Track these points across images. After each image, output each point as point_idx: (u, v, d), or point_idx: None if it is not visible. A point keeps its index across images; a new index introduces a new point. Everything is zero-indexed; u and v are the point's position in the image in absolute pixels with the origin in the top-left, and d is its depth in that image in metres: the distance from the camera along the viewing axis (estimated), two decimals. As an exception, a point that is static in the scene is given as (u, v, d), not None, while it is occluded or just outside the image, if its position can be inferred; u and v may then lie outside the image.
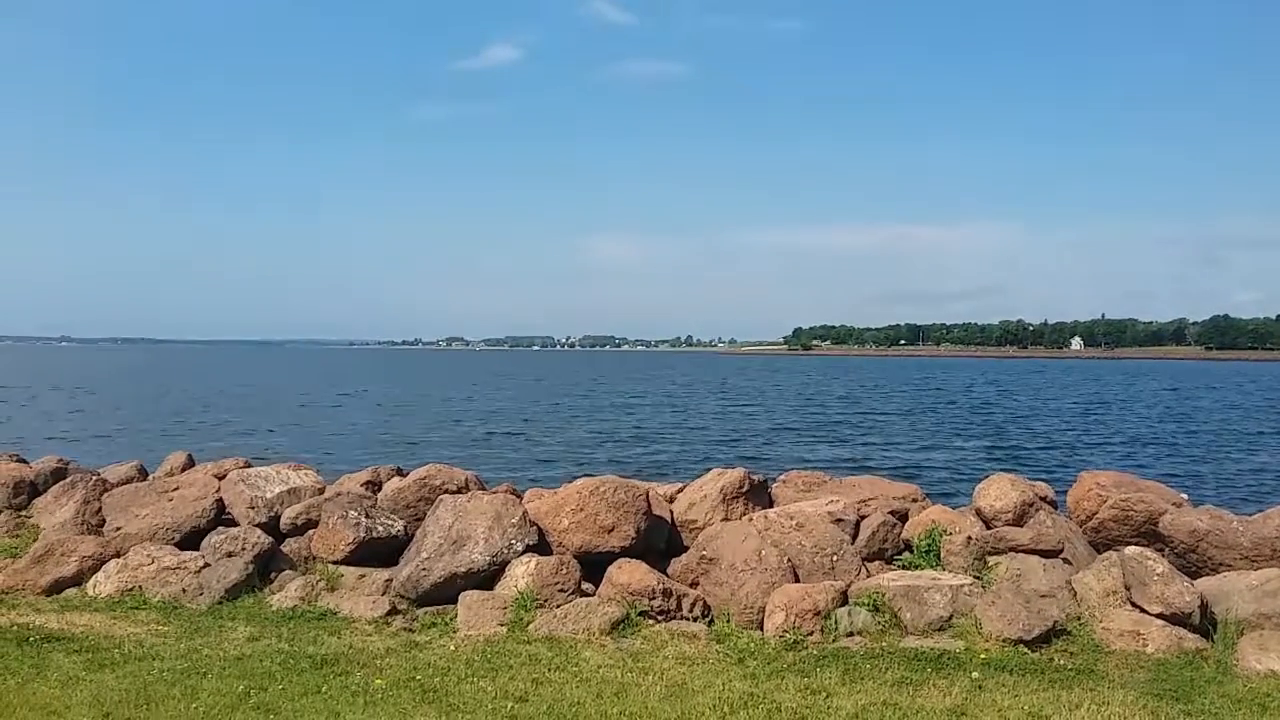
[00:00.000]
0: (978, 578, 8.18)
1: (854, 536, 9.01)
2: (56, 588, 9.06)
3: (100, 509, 10.31)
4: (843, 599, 7.92)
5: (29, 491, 10.99)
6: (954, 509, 9.71)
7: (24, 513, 10.66)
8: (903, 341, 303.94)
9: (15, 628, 7.71)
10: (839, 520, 9.06)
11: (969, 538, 8.61)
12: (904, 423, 42.48)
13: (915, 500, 10.12)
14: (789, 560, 8.39)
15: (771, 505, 9.96)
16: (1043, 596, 7.86)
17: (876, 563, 8.88)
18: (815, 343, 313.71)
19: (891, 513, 9.43)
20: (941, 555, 8.62)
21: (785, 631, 7.59)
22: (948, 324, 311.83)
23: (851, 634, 7.57)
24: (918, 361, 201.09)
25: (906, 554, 9.01)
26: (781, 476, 10.98)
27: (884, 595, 7.82)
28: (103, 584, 8.95)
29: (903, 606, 7.73)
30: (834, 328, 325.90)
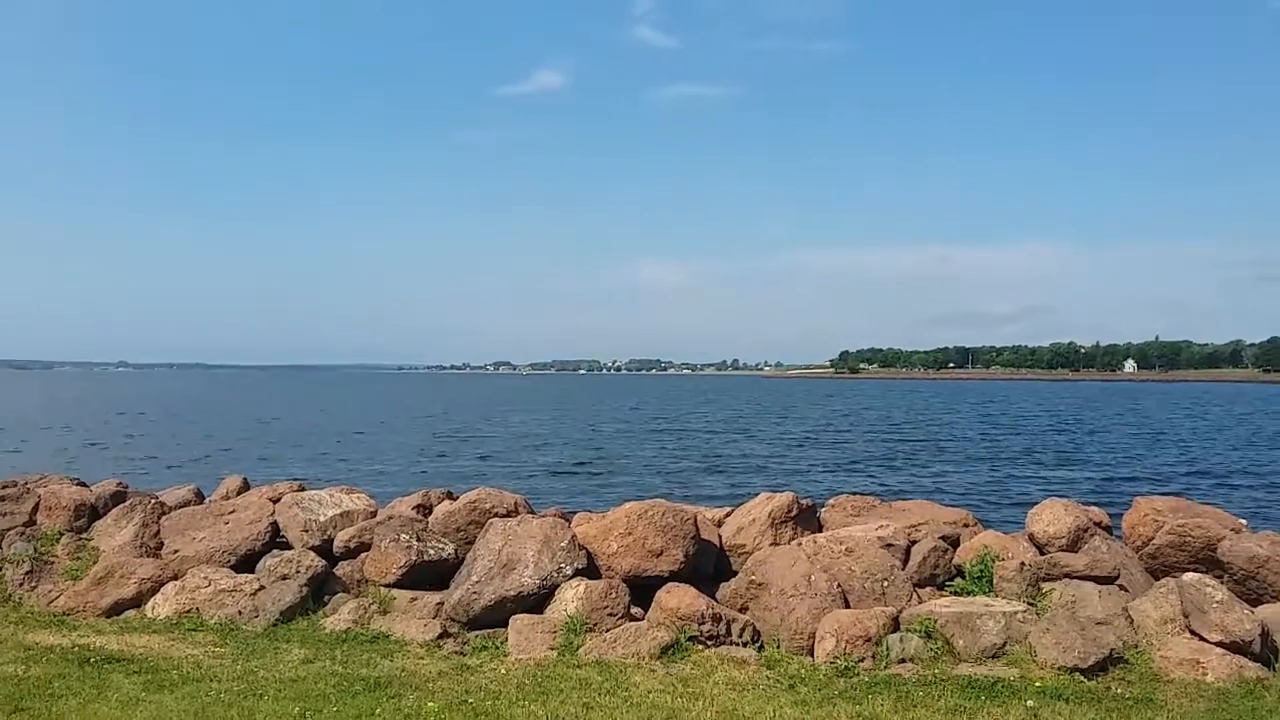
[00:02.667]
0: (1031, 604, 8.08)
1: (905, 562, 8.93)
2: (116, 609, 9.25)
3: (158, 532, 10.49)
4: (894, 625, 7.85)
5: (89, 514, 11.19)
6: (1006, 534, 9.58)
7: (84, 535, 10.86)
8: (951, 364, 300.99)
9: (76, 649, 7.87)
10: (889, 545, 9.00)
11: (1022, 563, 8.51)
12: (954, 447, 42.03)
13: (967, 525, 10.01)
14: (839, 586, 8.34)
15: (820, 530, 9.91)
16: (1098, 624, 7.74)
17: (928, 589, 8.79)
18: (863, 366, 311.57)
19: (942, 538, 9.34)
20: (994, 581, 8.52)
21: (836, 658, 7.54)
22: (997, 346, 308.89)
23: (903, 661, 7.50)
24: (967, 385, 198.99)
25: (958, 580, 8.91)
26: (830, 501, 10.92)
27: (936, 622, 7.75)
28: (161, 606, 9.11)
29: (955, 633, 7.65)
30: (881, 350, 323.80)
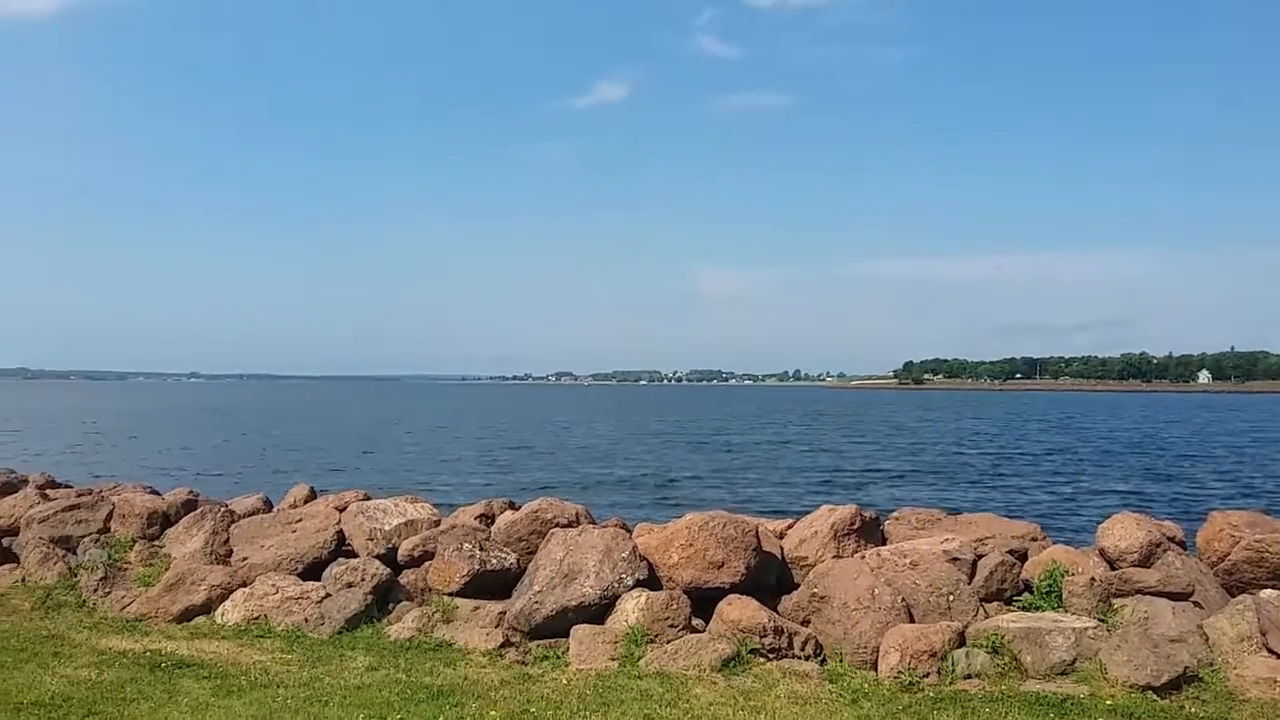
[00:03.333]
0: (1102, 620, 7.90)
1: (971, 576, 8.79)
2: (187, 615, 9.44)
3: (228, 539, 10.70)
4: (960, 640, 7.73)
5: (161, 522, 11.45)
6: (1076, 549, 9.39)
7: (157, 543, 11.11)
8: (1019, 375, 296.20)
9: (148, 654, 8.04)
10: (955, 559, 8.86)
11: (1092, 578, 8.33)
12: (1022, 459, 41.32)
13: (1035, 539, 9.83)
14: (903, 599, 8.24)
15: (884, 543, 9.80)
16: (1172, 641, 7.54)
17: (994, 603, 8.64)
18: (927, 376, 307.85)
19: (1010, 552, 9.18)
20: (1063, 596, 8.35)
21: (900, 672, 7.44)
22: (1066, 357, 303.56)
23: (969, 676, 7.38)
24: (1035, 396, 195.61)
25: (1026, 595, 8.75)
26: (894, 513, 10.79)
27: (1003, 637, 7.61)
28: (230, 612, 9.29)
29: (1023, 649, 7.51)
30: (946, 361, 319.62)
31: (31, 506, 12.07)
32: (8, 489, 12.93)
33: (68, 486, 13.69)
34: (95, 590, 10.00)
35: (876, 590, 8.23)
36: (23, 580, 10.61)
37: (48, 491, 12.97)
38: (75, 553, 11.08)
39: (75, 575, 10.47)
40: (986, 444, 51.31)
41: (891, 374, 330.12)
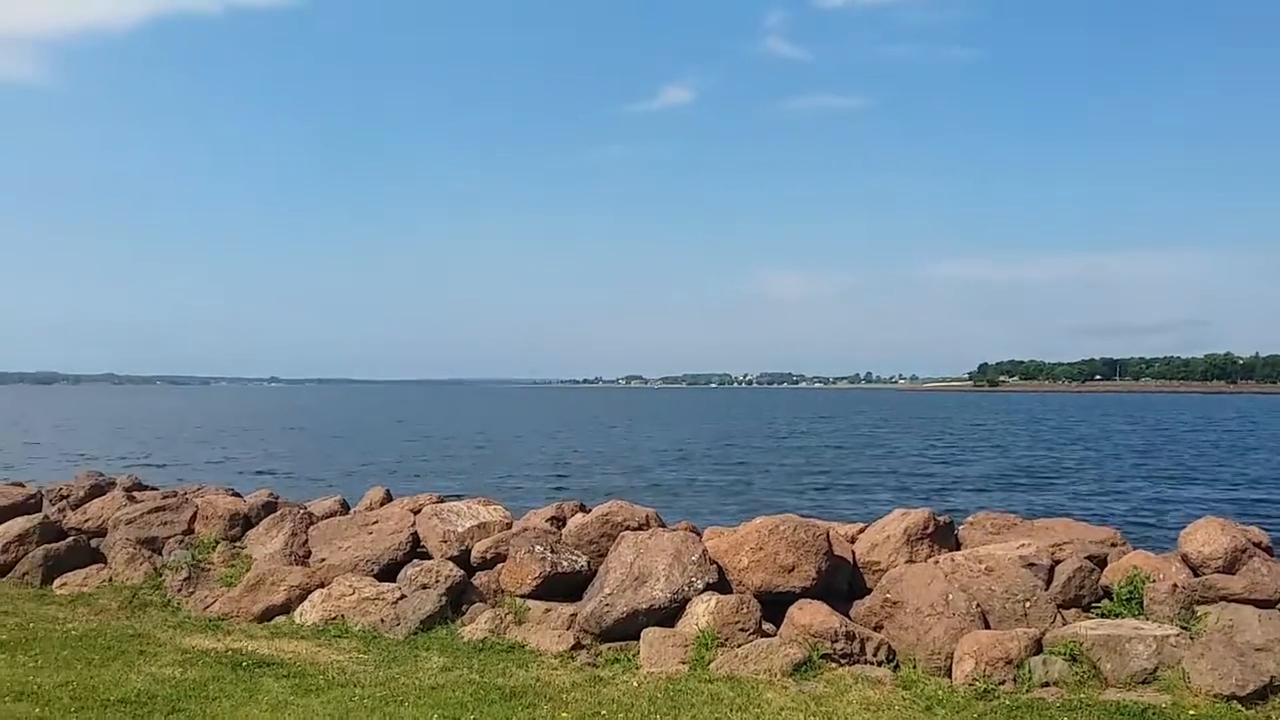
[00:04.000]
0: (1184, 628, 7.70)
1: (1048, 582, 8.63)
2: (267, 615, 9.66)
3: (306, 541, 10.93)
4: (1037, 647, 7.60)
5: (243, 524, 11.73)
6: (1157, 554, 9.17)
7: (238, 544, 11.38)
8: (1098, 377, 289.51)
9: (230, 653, 8.23)
10: (1031, 565, 8.71)
11: (1175, 585, 8.13)
12: (1101, 463, 40.40)
13: (1114, 545, 9.62)
14: (978, 605, 8.12)
15: (958, 548, 9.67)
16: (1258, 650, 7.32)
17: (1073, 610, 8.47)
18: (1002, 379, 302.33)
19: (1088, 557, 8.99)
20: (1144, 603, 8.16)
21: (975, 680, 7.33)
22: (1147, 358, 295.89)
23: (1046, 685, 7.24)
24: (1115, 398, 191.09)
25: (1105, 601, 8.56)
26: (969, 518, 10.64)
27: (1082, 644, 7.46)
28: (308, 612, 9.48)
29: (1102, 657, 7.36)
30: (1022, 363, 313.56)
31: (119, 508, 12.46)
32: (96, 491, 13.36)
33: (153, 489, 14.09)
34: (179, 590, 10.28)
35: (950, 596, 8.13)
36: (110, 580, 10.95)
37: (134, 494, 13.37)
38: (160, 553, 11.40)
39: (160, 575, 10.77)
40: (1064, 447, 50.25)
41: (966, 376, 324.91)
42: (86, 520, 12.47)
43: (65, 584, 10.99)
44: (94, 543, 11.90)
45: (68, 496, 13.38)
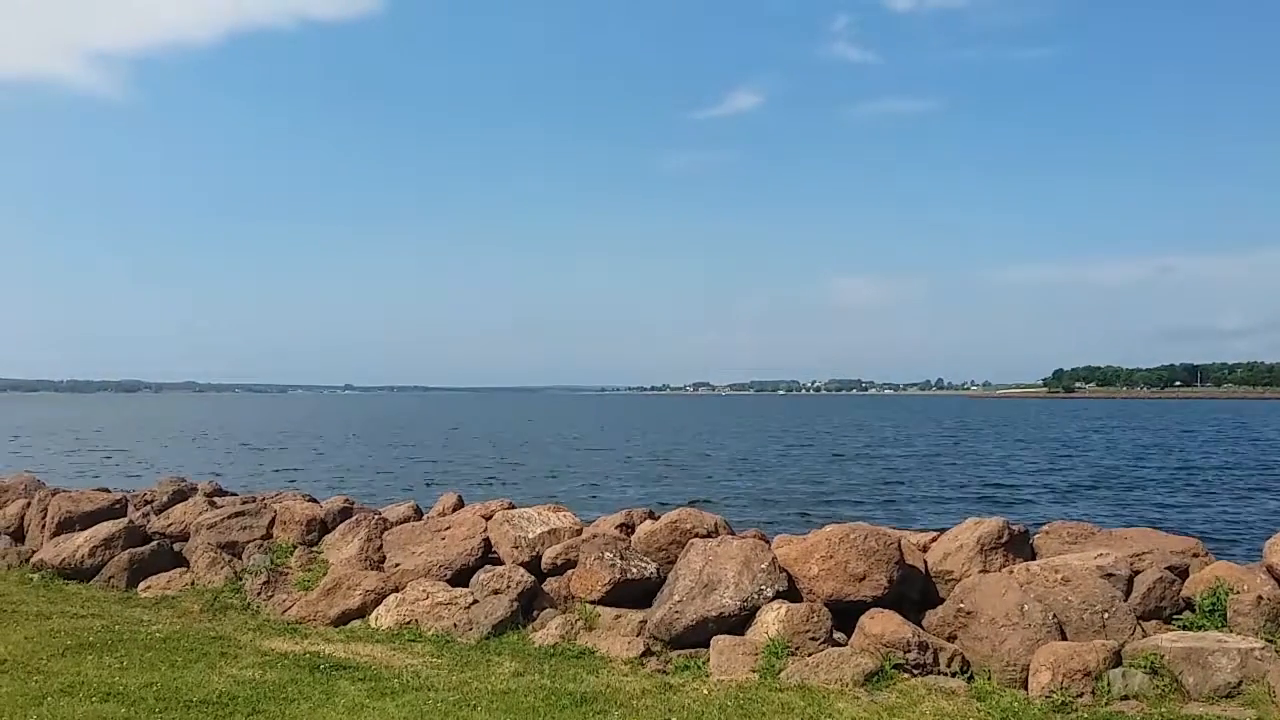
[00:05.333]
0: (1270, 641, 7.48)
1: (1127, 593, 8.44)
2: (343, 619, 9.84)
3: (381, 546, 11.10)
4: (1116, 660, 7.44)
5: (319, 529, 11.96)
6: (1241, 565, 8.91)
7: (315, 548, 11.61)
8: (1178, 382, 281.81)
9: (308, 655, 8.37)
10: (1110, 575, 8.53)
11: (1260, 597, 7.89)
12: (1182, 471, 39.35)
13: (1196, 555, 9.37)
14: (1054, 616, 7.97)
15: (1033, 557, 9.50)
16: (1351, 666, 7.09)
17: (1153, 622, 8.28)
18: (1078, 385, 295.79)
19: (1169, 568, 8.77)
20: (1228, 615, 7.94)
21: (1052, 692, 7.20)
22: (1230, 363, 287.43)
23: (1126, 698, 7.09)
24: (1196, 404, 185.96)
25: (1187, 613, 8.35)
26: (1044, 527, 10.43)
27: (1162, 657, 7.29)
28: (383, 617, 9.64)
29: (1184, 670, 7.18)
30: (1099, 368, 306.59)
31: (200, 513, 12.79)
32: (178, 497, 13.72)
33: (233, 495, 14.43)
34: (259, 594, 10.51)
35: (1026, 606, 7.99)
36: (192, 584, 11.24)
37: (215, 499, 13.70)
38: (240, 558, 11.68)
39: (240, 579, 11.03)
40: (1142, 455, 49.04)
41: (1040, 382, 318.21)
42: (169, 525, 12.82)
43: (149, 587, 11.30)
44: (177, 547, 12.22)
45: (151, 502, 13.77)
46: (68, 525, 12.79)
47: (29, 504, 13.64)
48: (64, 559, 11.91)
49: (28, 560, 12.40)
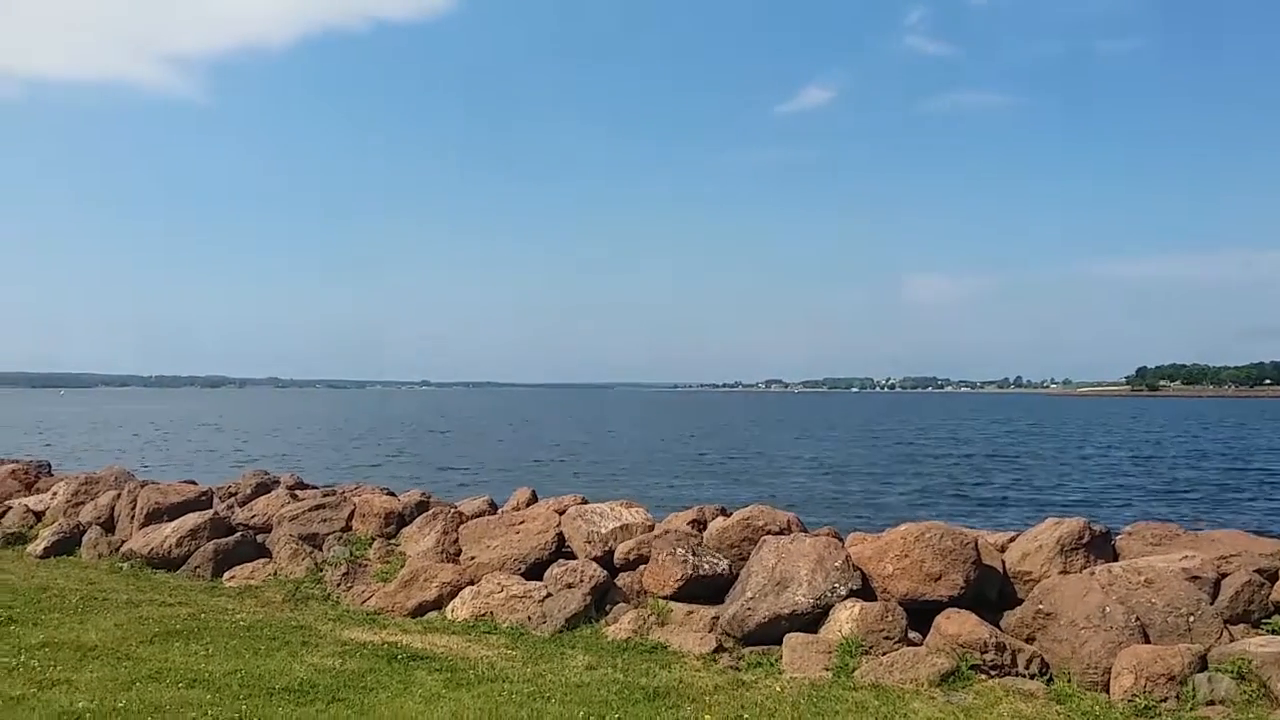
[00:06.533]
0: (1367, 649, 7.22)
1: (1213, 596, 8.21)
2: (420, 610, 9.99)
3: (457, 539, 11.26)
4: (1201, 664, 7.25)
5: (397, 522, 12.18)
6: (1335, 569, 8.62)
7: (393, 541, 11.81)
8: (1268, 381, 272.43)
9: (386, 646, 8.51)
10: (1195, 578, 8.30)
11: (1356, 603, 7.63)
12: (1270, 472, 38.10)
13: (1287, 558, 9.08)
14: (1137, 619, 7.79)
15: (1115, 559, 9.30)
16: None
17: (1240, 626, 8.04)
18: (1163, 383, 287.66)
19: (1258, 571, 8.51)
20: (1321, 621, 7.69)
21: (1135, 696, 7.05)
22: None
23: (1212, 703, 6.90)
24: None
25: (1276, 617, 8.10)
26: (1127, 528, 10.20)
27: (1251, 662, 7.08)
28: (459, 609, 9.77)
29: (1273, 676, 6.96)
30: (1185, 367, 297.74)
31: (283, 506, 13.10)
32: (261, 489, 14.08)
33: (314, 488, 14.75)
34: (339, 584, 10.73)
35: (1108, 608, 7.83)
36: (275, 574, 11.51)
37: (297, 492, 14.03)
38: (321, 549, 11.93)
39: (321, 570, 11.27)
40: (1229, 455, 47.57)
41: (1123, 380, 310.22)
42: (253, 516, 13.15)
43: (233, 577, 11.60)
44: (260, 538, 12.52)
45: (235, 494, 14.15)
46: (156, 516, 13.18)
47: (119, 495, 14.10)
48: (152, 549, 12.28)
49: (118, 549, 12.82)
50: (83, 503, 14.56)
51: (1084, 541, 9.21)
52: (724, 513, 11.24)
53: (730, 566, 9.56)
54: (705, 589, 9.39)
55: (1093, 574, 8.52)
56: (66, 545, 13.17)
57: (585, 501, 11.72)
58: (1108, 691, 7.30)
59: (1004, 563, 9.27)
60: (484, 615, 9.57)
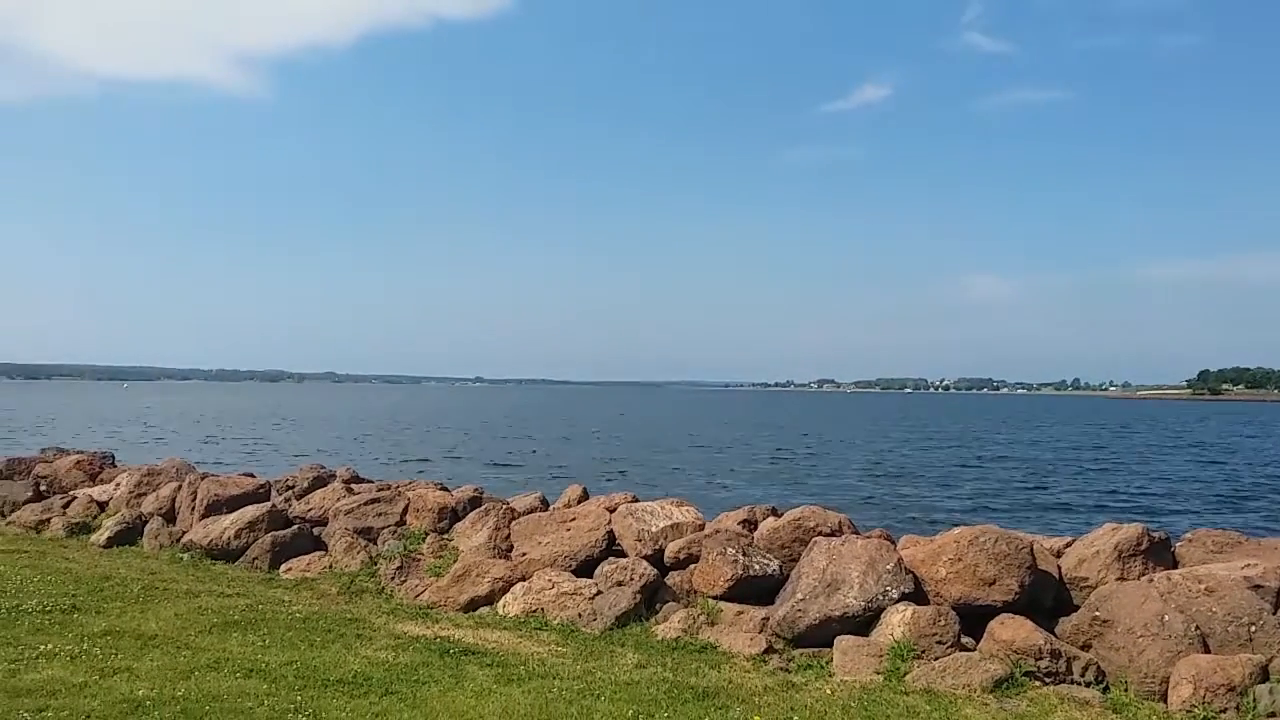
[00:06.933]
0: None
1: (1275, 606, 8.02)
2: (472, 605, 10.08)
3: (509, 535, 11.34)
4: (1263, 675, 7.09)
5: (450, 517, 12.29)
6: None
7: (446, 536, 11.92)
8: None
9: (438, 640, 8.58)
10: (1257, 586, 8.12)
11: None
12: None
13: (1355, 569, 8.85)
14: (1197, 627, 7.64)
15: (1175, 566, 9.12)
16: None
17: (1305, 637, 7.86)
18: (1225, 386, 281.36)
19: (1324, 581, 8.32)
20: (1390, 634, 7.49)
21: (1194, 706, 6.92)
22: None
23: (1272, 715, 6.75)
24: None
25: (1344, 630, 7.90)
26: (1187, 535, 10.00)
27: (1315, 675, 6.92)
28: (510, 604, 9.84)
29: (1339, 690, 6.80)
30: (1248, 370, 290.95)
31: (338, 499, 13.28)
32: (318, 483, 14.29)
33: (369, 482, 14.93)
34: (392, 578, 10.85)
35: (1166, 616, 7.69)
36: (330, 567, 11.67)
37: (352, 486, 14.20)
38: (375, 543, 12.07)
39: (375, 564, 11.41)
40: (1297, 461, 46.41)
41: (1184, 383, 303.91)
42: (309, 510, 13.35)
43: (290, 569, 11.78)
44: (316, 531, 12.70)
45: (293, 487, 14.36)
46: (215, 508, 13.44)
47: (180, 487, 14.39)
48: (212, 540, 12.51)
49: (178, 540, 13.07)
50: (145, 494, 14.88)
51: (1142, 548, 9.06)
52: (775, 513, 11.20)
53: (781, 567, 9.53)
54: (755, 589, 9.37)
55: (1151, 581, 8.38)
56: (129, 535, 13.45)
57: (636, 500, 11.73)
58: (1165, 701, 7.17)
59: (1060, 568, 9.14)
60: (535, 611, 9.63)
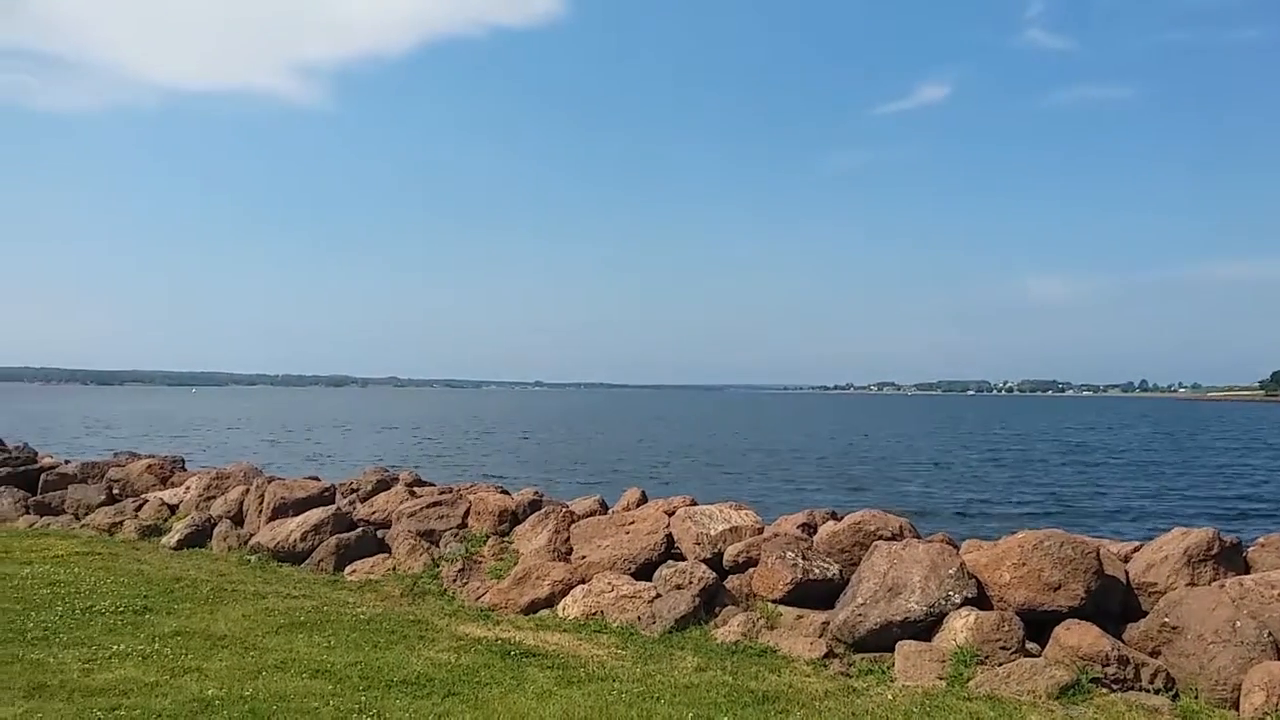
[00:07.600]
0: None
1: (1354, 613, 7.82)
2: (532, 608, 10.15)
3: (568, 538, 11.40)
4: (1340, 684, 6.90)
5: (511, 520, 12.38)
6: None
7: (506, 539, 12.02)
8: None
9: (499, 642, 8.63)
10: (1334, 593, 7.91)
11: None
12: None
13: None
14: (1270, 634, 7.46)
15: (1247, 571, 8.91)
16: None
17: (1385, 646, 7.63)
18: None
19: (1404, 588, 8.07)
20: None
21: (1266, 714, 6.75)
22: None
23: (1352, 726, 6.57)
24: None
25: None
26: (1260, 540, 9.76)
27: (1396, 685, 6.72)
28: (570, 607, 9.90)
29: None
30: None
31: (401, 502, 13.45)
32: (381, 486, 14.48)
33: (431, 485, 15.10)
34: (454, 580, 10.97)
35: (1238, 623, 7.51)
36: (394, 569, 11.82)
37: (414, 489, 14.37)
38: (438, 545, 12.20)
39: (437, 566, 11.54)
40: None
41: (1256, 384, 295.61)
42: (373, 512, 13.53)
43: (355, 571, 11.96)
44: (380, 534, 12.86)
45: (357, 490, 14.58)
46: (282, 511, 13.68)
47: (247, 490, 14.68)
48: (278, 542, 12.74)
49: (246, 542, 13.33)
50: (214, 497, 15.21)
51: (1213, 553, 8.85)
52: (834, 517, 11.13)
53: (841, 571, 9.47)
54: (815, 593, 9.32)
55: (1222, 586, 8.19)
56: (198, 538, 13.74)
57: (694, 503, 11.73)
58: (1237, 709, 7.01)
59: (1127, 574, 8.97)
60: (594, 614, 9.67)
